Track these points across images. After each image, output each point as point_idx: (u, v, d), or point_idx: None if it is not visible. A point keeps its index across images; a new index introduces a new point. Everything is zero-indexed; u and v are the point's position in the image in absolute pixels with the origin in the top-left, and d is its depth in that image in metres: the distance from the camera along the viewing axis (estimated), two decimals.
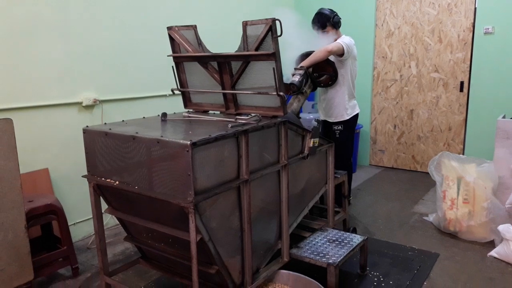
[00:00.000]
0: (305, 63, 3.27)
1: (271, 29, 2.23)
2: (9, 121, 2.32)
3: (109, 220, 3.75)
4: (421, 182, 4.94)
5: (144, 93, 3.92)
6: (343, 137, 3.69)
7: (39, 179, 3.15)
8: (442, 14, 4.86)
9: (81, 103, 3.41)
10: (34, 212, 2.69)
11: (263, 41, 2.30)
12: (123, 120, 2.51)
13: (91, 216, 3.50)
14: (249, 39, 2.37)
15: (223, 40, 3.97)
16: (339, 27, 3.66)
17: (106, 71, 3.58)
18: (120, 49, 3.68)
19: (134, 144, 2.05)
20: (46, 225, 3.08)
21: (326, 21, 3.54)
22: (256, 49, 2.34)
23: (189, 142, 1.83)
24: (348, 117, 3.67)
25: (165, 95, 4.07)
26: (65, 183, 3.38)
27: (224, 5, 4.73)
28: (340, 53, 3.41)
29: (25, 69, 3.05)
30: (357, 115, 3.77)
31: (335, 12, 3.61)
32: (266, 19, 2.24)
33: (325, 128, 3.80)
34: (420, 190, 4.65)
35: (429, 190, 4.63)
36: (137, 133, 2.05)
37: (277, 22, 2.23)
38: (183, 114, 2.68)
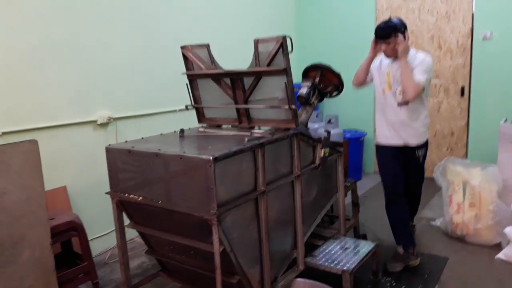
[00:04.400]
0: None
1: (282, 45, 2.34)
2: (34, 142, 2.42)
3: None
4: (426, 187, 4.93)
5: (155, 109, 4.02)
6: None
7: (58, 196, 3.24)
8: (440, 21, 5.00)
9: (96, 121, 3.52)
10: (57, 229, 2.76)
11: (274, 57, 2.42)
12: (142, 138, 2.62)
13: (107, 232, 3.65)
14: (261, 56, 2.48)
15: (226, 55, 4.08)
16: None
17: (118, 89, 3.69)
18: (131, 67, 3.79)
19: (157, 160, 2.15)
20: (65, 242, 3.16)
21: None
22: (268, 65, 2.45)
23: (211, 157, 1.93)
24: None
25: (174, 110, 4.17)
26: (81, 200, 3.47)
27: (228, 23, 4.87)
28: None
29: (42, 91, 3.16)
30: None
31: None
32: (277, 36, 2.35)
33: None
34: (425, 195, 4.68)
35: (434, 195, 4.71)
36: (159, 150, 2.15)
37: (288, 39, 2.34)
38: (199, 129, 2.78)
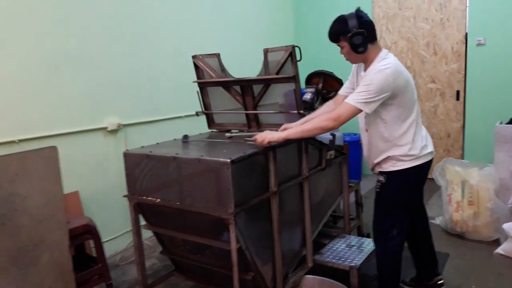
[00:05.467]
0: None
1: (291, 54, 2.48)
2: (54, 149, 2.52)
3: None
4: (424, 188, 5.14)
5: (162, 116, 4.15)
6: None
7: (71, 201, 3.33)
8: (435, 28, 5.16)
9: (106, 128, 3.63)
10: (73, 232, 2.85)
11: (283, 66, 2.55)
12: (157, 143, 2.73)
13: (117, 235, 3.76)
14: (270, 64, 2.61)
15: (228, 63, 4.22)
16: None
17: (127, 97, 3.81)
18: (139, 76, 3.92)
19: (175, 164, 2.26)
20: (78, 245, 3.25)
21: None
22: (277, 73, 2.58)
23: (229, 160, 2.04)
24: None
25: (181, 117, 4.29)
26: (91, 205, 3.57)
27: (231, 33, 5.01)
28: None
29: (54, 99, 3.27)
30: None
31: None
32: (286, 46, 2.49)
33: None
34: (424, 195, 4.86)
35: (432, 195, 4.85)
36: (177, 154, 2.26)
37: (296, 48, 2.47)
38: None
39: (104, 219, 3.61)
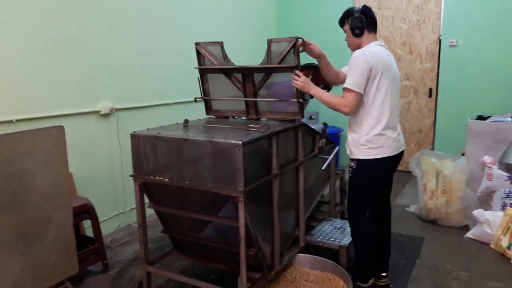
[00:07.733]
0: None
1: (294, 45, 2.63)
2: (61, 128, 2.57)
3: (122, 221, 4.01)
4: (397, 179, 5.38)
5: (154, 102, 4.23)
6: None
7: None
8: (412, 29, 5.46)
9: (99, 111, 3.67)
10: (73, 211, 2.92)
11: (286, 56, 2.70)
12: (161, 126, 2.82)
13: (107, 218, 3.83)
14: (273, 54, 2.75)
15: None
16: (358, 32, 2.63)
17: (121, 82, 3.87)
18: (134, 62, 3.99)
19: (185, 145, 2.38)
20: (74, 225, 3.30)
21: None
22: (279, 63, 2.73)
23: (240, 142, 2.18)
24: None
25: (169, 104, 4.38)
26: (85, 187, 3.62)
27: (221, 24, 5.12)
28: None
29: (51, 82, 3.31)
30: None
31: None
32: (290, 37, 2.64)
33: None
34: (398, 186, 5.16)
35: (405, 185, 5.17)
36: (187, 135, 2.38)
37: (299, 40, 2.64)
38: (208, 119, 2.97)
39: (93, 202, 3.66)
